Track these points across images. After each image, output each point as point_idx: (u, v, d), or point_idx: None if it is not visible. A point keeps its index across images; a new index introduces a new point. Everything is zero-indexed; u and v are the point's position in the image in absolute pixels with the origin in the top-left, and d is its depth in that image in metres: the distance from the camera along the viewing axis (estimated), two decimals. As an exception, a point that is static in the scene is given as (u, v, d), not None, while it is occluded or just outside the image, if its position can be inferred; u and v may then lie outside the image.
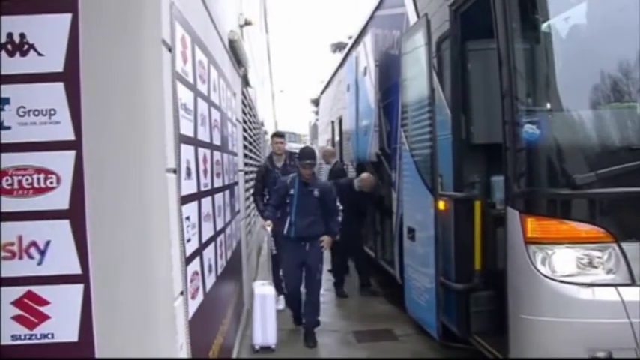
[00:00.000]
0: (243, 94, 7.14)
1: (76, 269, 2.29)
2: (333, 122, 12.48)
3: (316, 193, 5.66)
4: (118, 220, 2.31)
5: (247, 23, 7.21)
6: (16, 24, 2.29)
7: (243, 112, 7.24)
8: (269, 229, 5.73)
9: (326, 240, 5.75)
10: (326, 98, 14.61)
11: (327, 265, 6.89)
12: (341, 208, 6.01)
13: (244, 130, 7.36)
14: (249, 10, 8.30)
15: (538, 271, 3.43)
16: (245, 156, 7.36)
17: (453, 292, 4.46)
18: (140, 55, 2.33)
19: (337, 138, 11.71)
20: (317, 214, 5.69)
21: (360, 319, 6.50)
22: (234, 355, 4.63)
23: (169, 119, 2.49)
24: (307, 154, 5.78)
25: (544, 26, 3.59)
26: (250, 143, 8.56)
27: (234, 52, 5.65)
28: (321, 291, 6.04)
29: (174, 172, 2.55)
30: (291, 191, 5.68)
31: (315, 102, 17.36)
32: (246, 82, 7.34)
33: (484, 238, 4.17)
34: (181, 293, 2.57)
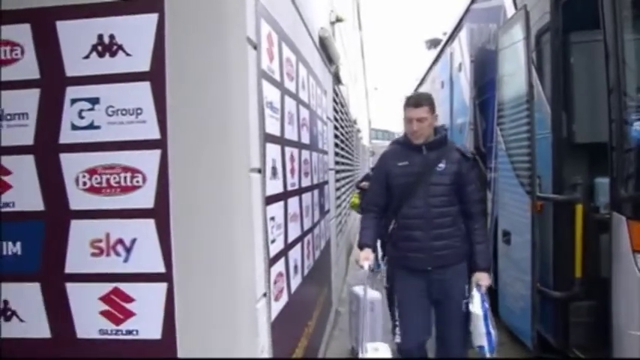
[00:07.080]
0: (334, 91, 7.08)
1: (160, 268, 2.31)
2: (426, 120, 12.20)
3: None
4: (201, 219, 2.30)
5: (338, 20, 7.13)
6: (105, 25, 2.33)
7: (335, 110, 7.18)
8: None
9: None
10: (419, 96, 14.32)
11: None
12: None
13: (335, 128, 7.30)
14: (340, 7, 8.24)
15: (648, 283, 3.15)
16: (336, 154, 7.30)
17: (551, 301, 4.19)
18: (225, 53, 2.31)
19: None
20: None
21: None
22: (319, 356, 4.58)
23: (254, 118, 2.45)
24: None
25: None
26: (342, 142, 8.51)
27: (325, 49, 5.60)
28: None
29: (259, 171, 2.52)
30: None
31: (409, 100, 17.00)
32: (337, 79, 7.27)
33: (586, 244, 3.89)
34: (264, 295, 2.53)
